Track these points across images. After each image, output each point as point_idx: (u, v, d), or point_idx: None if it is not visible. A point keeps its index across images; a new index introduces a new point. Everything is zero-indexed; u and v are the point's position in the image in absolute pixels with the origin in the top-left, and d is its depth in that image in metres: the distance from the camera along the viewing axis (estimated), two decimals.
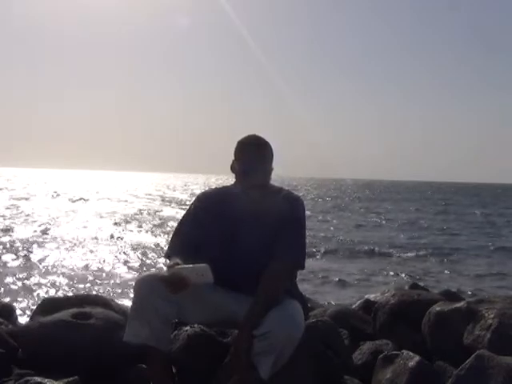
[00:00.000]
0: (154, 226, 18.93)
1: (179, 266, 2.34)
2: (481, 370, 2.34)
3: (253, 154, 2.53)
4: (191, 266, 2.30)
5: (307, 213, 2.79)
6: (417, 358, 2.64)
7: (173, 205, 28.81)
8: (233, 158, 2.63)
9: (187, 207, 2.75)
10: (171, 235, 2.72)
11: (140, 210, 25.69)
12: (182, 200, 33.78)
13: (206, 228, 2.59)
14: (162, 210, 25.51)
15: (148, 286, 2.41)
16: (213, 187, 2.88)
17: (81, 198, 32.29)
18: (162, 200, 32.49)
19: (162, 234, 16.14)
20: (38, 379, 2.46)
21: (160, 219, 21.25)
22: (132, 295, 2.51)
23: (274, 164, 2.63)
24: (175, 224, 2.74)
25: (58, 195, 35.38)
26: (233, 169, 2.63)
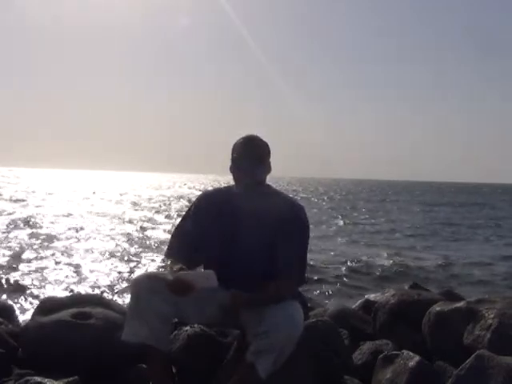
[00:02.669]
0: (152, 223, 18.94)
1: (184, 272, 2.35)
2: (481, 370, 2.34)
3: (249, 154, 2.53)
4: (196, 271, 2.32)
5: None
6: (417, 358, 2.65)
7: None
8: (231, 158, 2.64)
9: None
10: (171, 235, 2.72)
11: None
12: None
13: (206, 228, 2.59)
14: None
15: (146, 286, 2.41)
16: (213, 187, 2.88)
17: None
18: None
19: (161, 233, 16.14)
20: (38, 379, 2.46)
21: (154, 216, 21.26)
22: (130, 294, 2.51)
23: (273, 164, 2.64)
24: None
25: (50, 194, 35.48)
26: (231, 169, 2.63)
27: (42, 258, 10.79)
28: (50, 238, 13.79)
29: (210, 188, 2.85)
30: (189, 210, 2.72)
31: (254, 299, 2.36)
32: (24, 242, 12.99)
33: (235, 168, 2.57)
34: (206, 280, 2.29)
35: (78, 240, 13.75)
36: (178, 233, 2.68)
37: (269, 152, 2.61)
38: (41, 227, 16.16)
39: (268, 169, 2.60)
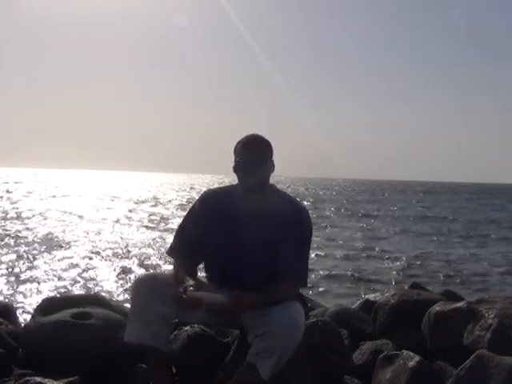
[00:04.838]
0: (151, 224, 18.95)
1: (196, 292, 2.34)
2: (481, 370, 2.34)
3: (251, 154, 2.51)
4: (208, 293, 2.34)
5: None
6: (417, 358, 2.65)
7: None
8: (233, 158, 2.62)
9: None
10: (174, 233, 2.72)
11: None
12: None
13: (207, 228, 2.58)
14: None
15: (147, 286, 2.41)
16: (215, 186, 2.87)
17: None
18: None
19: (160, 233, 16.15)
20: (38, 379, 2.47)
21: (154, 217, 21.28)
22: (131, 295, 2.51)
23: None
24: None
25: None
26: (234, 169, 2.62)
27: (41, 258, 10.80)
28: (49, 239, 13.79)
29: (212, 187, 2.84)
30: (191, 208, 2.71)
31: (256, 300, 2.35)
32: (23, 241, 13.00)
33: (237, 169, 2.56)
34: (214, 299, 2.32)
35: (77, 240, 13.76)
36: (181, 231, 2.67)
37: (271, 152, 2.58)
38: (38, 227, 16.17)
39: (270, 168, 2.58)
